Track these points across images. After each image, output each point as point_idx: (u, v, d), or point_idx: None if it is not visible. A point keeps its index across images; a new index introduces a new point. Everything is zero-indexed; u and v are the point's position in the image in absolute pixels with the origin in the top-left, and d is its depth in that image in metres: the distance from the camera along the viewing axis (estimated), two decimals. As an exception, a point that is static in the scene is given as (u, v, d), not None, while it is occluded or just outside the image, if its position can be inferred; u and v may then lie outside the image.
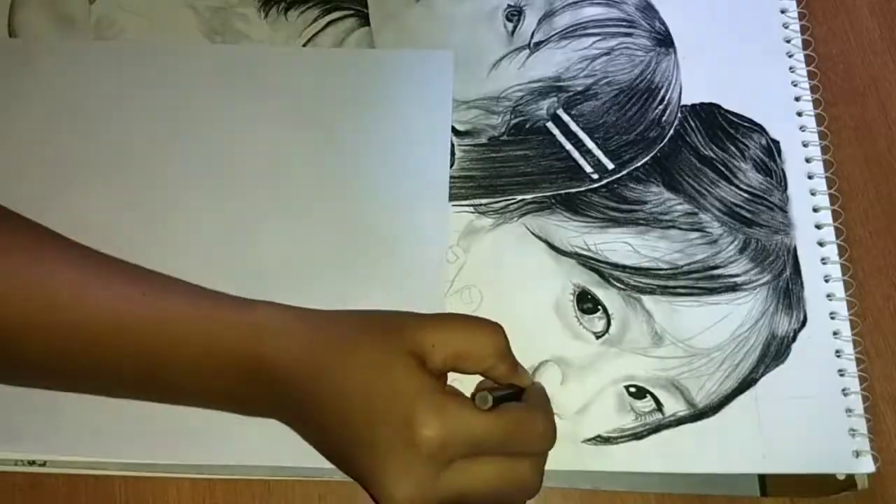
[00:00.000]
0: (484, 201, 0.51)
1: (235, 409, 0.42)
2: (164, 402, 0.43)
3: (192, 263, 0.45)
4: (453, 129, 0.52)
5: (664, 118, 0.53)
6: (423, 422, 0.36)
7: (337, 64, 0.54)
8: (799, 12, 0.55)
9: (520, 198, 0.51)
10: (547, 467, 0.44)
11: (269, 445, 0.43)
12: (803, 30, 0.55)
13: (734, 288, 0.48)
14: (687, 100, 0.53)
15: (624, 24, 0.55)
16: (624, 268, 0.49)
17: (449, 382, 0.42)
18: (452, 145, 0.52)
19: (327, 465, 0.41)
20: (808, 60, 0.54)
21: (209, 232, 0.49)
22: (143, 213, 0.50)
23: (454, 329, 0.40)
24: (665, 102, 0.53)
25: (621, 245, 0.49)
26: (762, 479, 0.45)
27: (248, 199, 0.50)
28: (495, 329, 0.40)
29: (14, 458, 0.45)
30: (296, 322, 0.40)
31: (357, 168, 0.51)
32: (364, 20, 0.55)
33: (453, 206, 0.50)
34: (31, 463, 0.45)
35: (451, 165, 0.51)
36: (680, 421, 0.46)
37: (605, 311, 0.48)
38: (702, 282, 0.49)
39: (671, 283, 0.48)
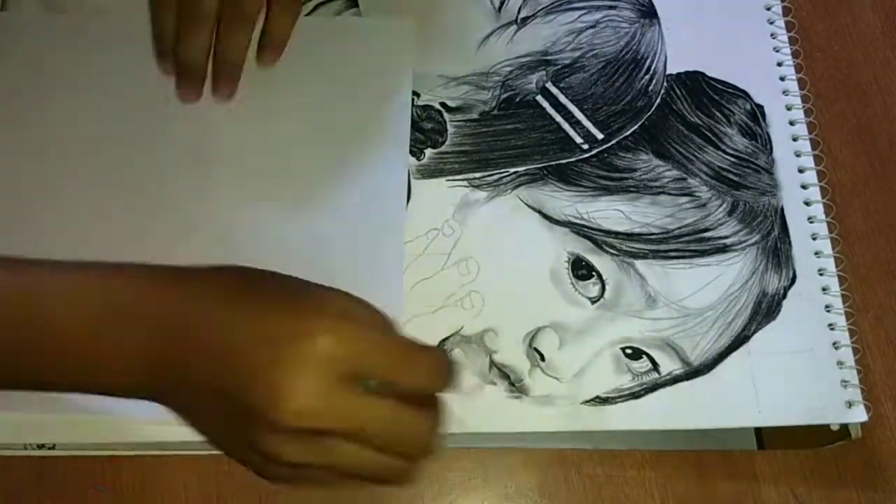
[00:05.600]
0: (477, 175, 0.52)
1: (100, 370, 0.38)
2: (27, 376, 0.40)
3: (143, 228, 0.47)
4: (445, 106, 0.53)
5: (651, 87, 0.54)
6: (315, 330, 0.35)
7: (298, 31, 0.54)
8: (778, -21, 0.57)
9: (512, 170, 0.52)
10: (547, 429, 0.46)
11: None
12: (782, -4, 0.56)
13: (724, 249, 0.50)
14: (672, 69, 0.54)
15: (608, -3, 0.57)
16: (616, 234, 0.50)
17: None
18: (434, 114, 0.53)
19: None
20: (789, 27, 0.55)
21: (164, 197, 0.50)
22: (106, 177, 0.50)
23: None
24: (651, 72, 0.54)
25: (613, 212, 0.50)
26: (758, 432, 0.47)
27: (203, 157, 0.51)
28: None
29: (23, 441, 0.45)
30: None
31: (315, 134, 0.52)
32: (352, 1, 0.56)
33: (448, 181, 0.51)
34: (41, 446, 0.45)
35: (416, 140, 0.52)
36: (676, 379, 0.47)
37: (600, 276, 0.49)
38: (692, 244, 0.50)
39: (662, 247, 0.50)
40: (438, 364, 0.38)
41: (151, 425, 0.45)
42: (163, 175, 0.50)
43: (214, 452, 0.45)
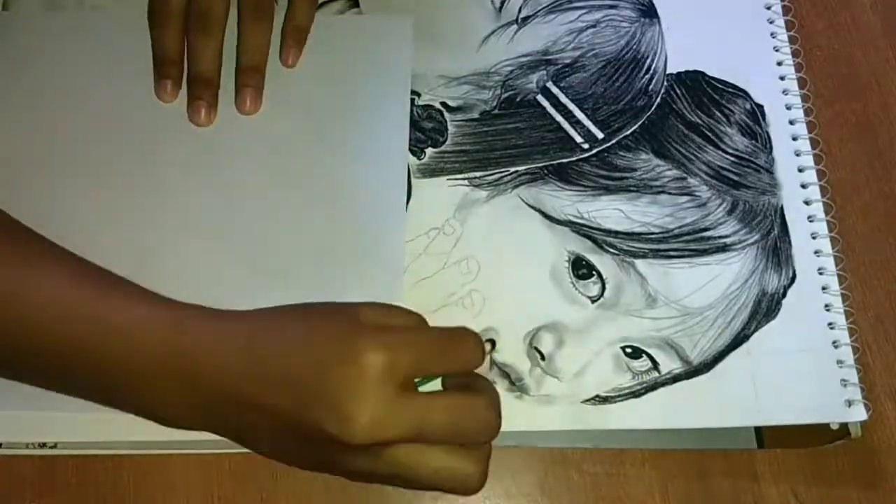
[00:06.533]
0: (478, 174, 0.52)
1: (162, 416, 0.41)
2: (89, 398, 0.42)
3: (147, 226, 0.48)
4: (446, 106, 0.53)
5: (651, 87, 0.54)
6: (365, 348, 0.37)
7: None
8: (778, -20, 0.57)
9: (513, 170, 0.52)
10: (548, 428, 0.46)
11: None
12: (783, -4, 0.56)
13: (724, 248, 0.50)
14: (672, 68, 0.54)
15: (608, -4, 0.57)
16: (616, 233, 0.50)
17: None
18: (434, 113, 0.53)
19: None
20: (789, 26, 0.55)
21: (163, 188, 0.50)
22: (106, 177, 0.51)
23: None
24: (651, 72, 0.54)
25: (613, 211, 0.51)
26: (758, 431, 0.47)
27: (202, 157, 0.51)
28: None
29: (25, 440, 0.45)
30: (227, 334, 0.40)
31: (314, 133, 0.52)
32: (353, 1, 0.56)
33: (448, 180, 0.51)
34: (42, 445, 0.45)
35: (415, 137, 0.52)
36: (676, 378, 0.47)
37: (600, 275, 0.49)
38: (692, 244, 0.50)
39: (663, 246, 0.50)
40: (476, 342, 0.41)
41: (152, 425, 0.45)
42: (163, 174, 0.50)
43: (215, 451, 0.46)
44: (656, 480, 0.46)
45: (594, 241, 0.50)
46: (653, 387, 0.47)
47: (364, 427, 0.36)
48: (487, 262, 0.49)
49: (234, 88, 0.52)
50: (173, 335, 0.39)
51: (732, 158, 0.52)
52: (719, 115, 0.53)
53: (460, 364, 0.40)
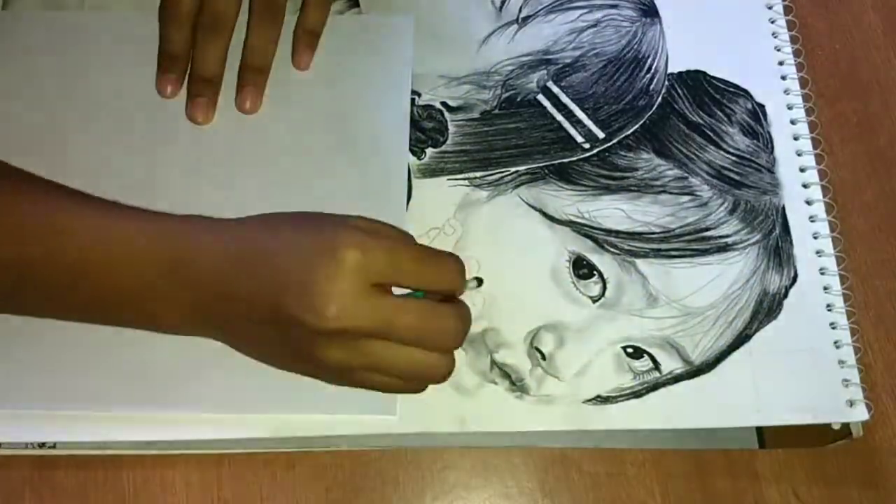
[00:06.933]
0: (478, 174, 0.52)
1: (157, 318, 0.44)
2: (88, 315, 0.44)
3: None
4: (446, 105, 0.53)
5: (652, 86, 0.54)
6: (344, 243, 0.39)
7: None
8: (778, -21, 0.57)
9: (513, 169, 0.52)
10: (548, 428, 0.46)
11: (274, 418, 0.45)
12: (783, -5, 0.56)
13: (725, 248, 0.50)
14: (673, 68, 0.54)
15: (609, -5, 0.57)
16: (617, 233, 0.50)
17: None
18: (435, 113, 0.53)
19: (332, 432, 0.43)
20: (790, 25, 0.55)
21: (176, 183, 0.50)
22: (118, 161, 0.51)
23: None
24: (652, 71, 0.54)
25: (614, 211, 0.51)
26: (760, 431, 0.47)
27: (202, 156, 0.51)
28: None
29: (23, 440, 0.45)
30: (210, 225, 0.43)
31: (314, 132, 0.52)
32: (353, 1, 0.56)
33: (449, 180, 0.51)
34: (42, 445, 0.45)
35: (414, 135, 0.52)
36: (677, 378, 0.47)
37: (601, 275, 0.49)
38: (694, 243, 0.50)
39: (664, 245, 0.50)
40: (457, 266, 0.43)
41: (152, 425, 0.45)
42: (163, 173, 0.50)
43: (215, 452, 0.46)
44: (657, 480, 0.46)
45: (595, 240, 0.50)
46: (654, 387, 0.47)
47: (333, 315, 0.39)
48: (488, 263, 0.49)
49: (236, 87, 0.52)
50: (172, 241, 0.42)
51: (734, 158, 0.52)
52: (721, 114, 0.53)
53: (437, 283, 0.42)
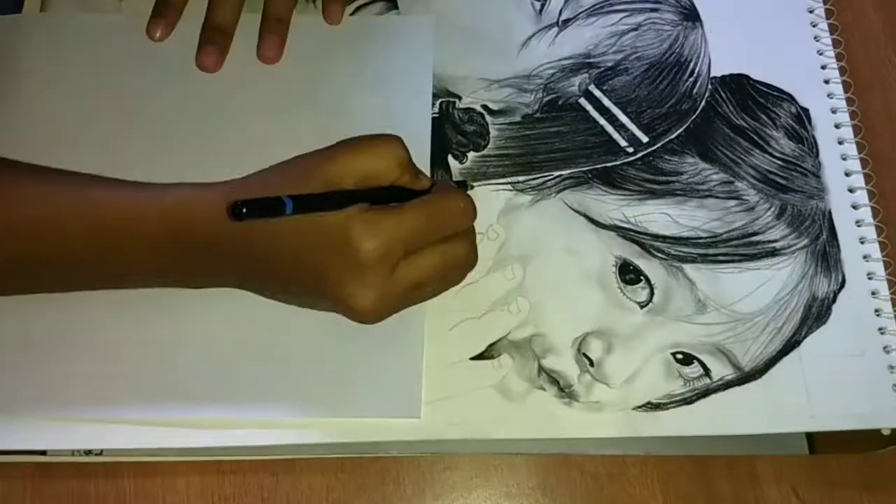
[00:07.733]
0: (521, 178, 0.51)
1: (185, 282, 0.46)
2: (120, 282, 0.46)
3: None
4: (487, 109, 0.53)
5: (695, 90, 0.54)
6: (360, 238, 0.41)
7: (319, 29, 0.54)
8: (820, -19, 0.56)
9: (556, 174, 0.51)
10: (598, 435, 0.45)
11: (275, 426, 0.45)
12: (825, -1, 0.56)
13: (773, 253, 0.49)
14: (716, 72, 0.54)
15: (650, -1, 0.56)
16: (664, 238, 0.50)
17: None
18: (476, 116, 0.53)
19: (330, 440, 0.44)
20: (832, 29, 0.55)
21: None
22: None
23: (357, 154, 0.43)
24: (695, 75, 0.54)
25: (660, 216, 0.50)
26: (810, 437, 0.46)
27: (234, 158, 0.50)
28: (394, 143, 0.44)
29: (19, 448, 0.45)
30: (209, 192, 0.43)
31: (335, 132, 0.50)
32: (393, 3, 0.56)
33: (491, 184, 0.51)
34: (42, 453, 0.45)
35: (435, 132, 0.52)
36: (728, 385, 0.47)
37: (648, 281, 0.49)
38: (741, 248, 0.49)
39: (711, 251, 0.49)
40: (463, 208, 0.44)
41: (153, 426, 0.45)
42: (196, 168, 0.49)
43: (215, 459, 0.45)
44: (658, 480, 0.46)
45: (641, 245, 0.49)
46: (705, 393, 0.46)
47: (364, 312, 0.42)
48: (532, 268, 0.49)
49: (258, 35, 0.52)
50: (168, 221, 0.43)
51: (779, 162, 0.52)
52: (765, 118, 0.53)
53: (452, 229, 0.44)
